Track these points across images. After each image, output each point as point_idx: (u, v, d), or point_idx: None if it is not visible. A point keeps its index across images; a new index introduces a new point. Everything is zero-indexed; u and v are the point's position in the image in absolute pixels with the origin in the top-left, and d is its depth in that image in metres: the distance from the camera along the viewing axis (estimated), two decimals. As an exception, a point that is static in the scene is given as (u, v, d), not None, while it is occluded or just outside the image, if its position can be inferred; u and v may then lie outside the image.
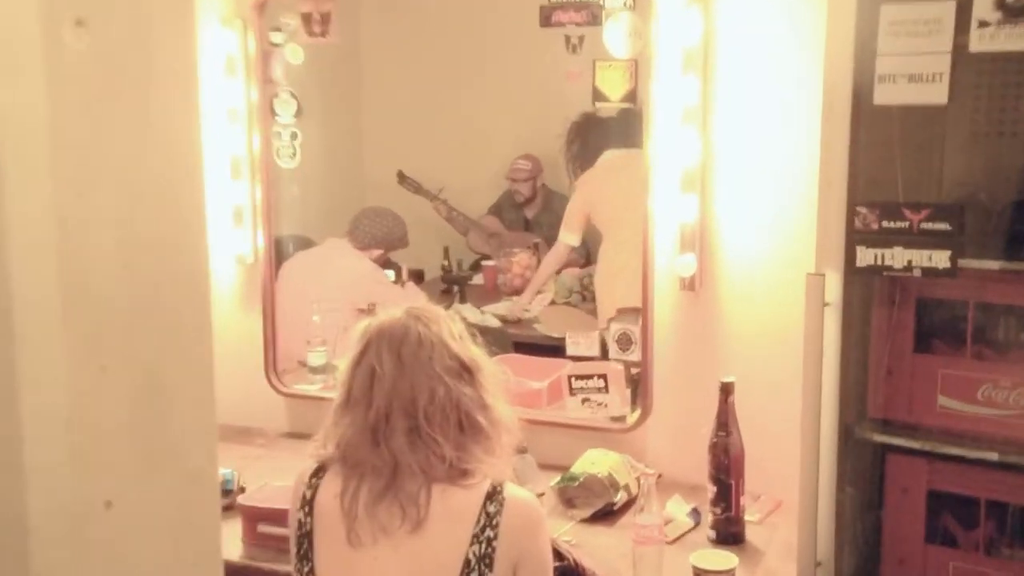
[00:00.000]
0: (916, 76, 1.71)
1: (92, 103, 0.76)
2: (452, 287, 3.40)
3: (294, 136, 2.88)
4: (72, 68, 0.72)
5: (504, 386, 1.70)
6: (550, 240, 3.72)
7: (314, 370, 2.84)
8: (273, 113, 2.85)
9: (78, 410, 0.71)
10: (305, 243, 3.15)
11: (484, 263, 3.58)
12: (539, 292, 3.32)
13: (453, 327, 1.67)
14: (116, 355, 0.72)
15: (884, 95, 1.74)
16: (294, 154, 2.88)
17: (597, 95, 2.55)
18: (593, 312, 3.05)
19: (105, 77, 0.76)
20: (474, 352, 1.67)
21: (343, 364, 1.68)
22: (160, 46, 0.81)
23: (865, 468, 1.98)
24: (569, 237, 3.06)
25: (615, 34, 2.40)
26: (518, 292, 3.33)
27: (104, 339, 0.71)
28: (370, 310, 2.80)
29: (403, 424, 1.58)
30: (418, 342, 1.61)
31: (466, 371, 1.64)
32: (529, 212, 3.85)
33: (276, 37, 2.81)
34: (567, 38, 2.98)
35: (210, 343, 0.77)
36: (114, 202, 0.76)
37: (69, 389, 0.71)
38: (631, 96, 2.51)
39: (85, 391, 0.72)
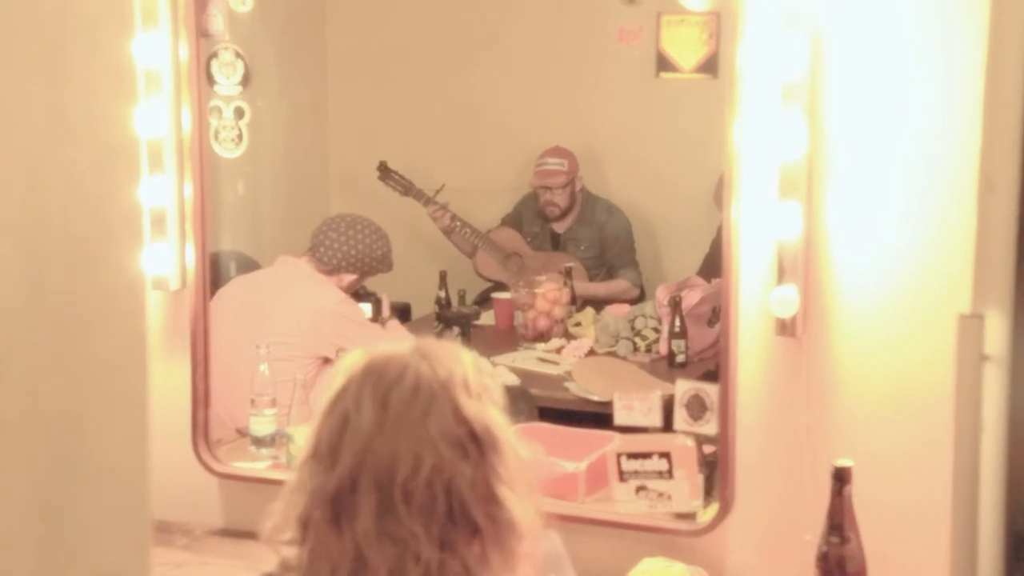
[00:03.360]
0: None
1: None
2: (450, 328, 3.40)
3: (239, 113, 2.89)
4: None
5: (533, 474, 1.65)
6: (588, 264, 3.72)
7: (259, 441, 2.81)
8: (211, 81, 2.85)
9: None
10: (249, 263, 3.15)
11: (496, 295, 3.58)
12: (570, 337, 3.32)
13: (472, 376, 1.62)
14: (16, 405, 0.70)
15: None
16: (239, 138, 2.89)
17: (662, 63, 2.56)
18: (649, 365, 3.04)
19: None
20: (493, 418, 1.64)
21: (316, 410, 1.66)
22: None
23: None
24: None
25: (690, -23, 2.41)
26: (543, 337, 3.32)
27: (2, 379, 0.69)
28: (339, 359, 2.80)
29: (372, 499, 1.54)
30: (414, 388, 1.56)
31: (474, 443, 1.58)
32: (560, 225, 3.86)
33: (216, -27, 2.83)
34: (622, -18, 3.00)
35: (145, 394, 0.76)
36: (18, 199, 0.75)
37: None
38: (709, 63, 2.51)
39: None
